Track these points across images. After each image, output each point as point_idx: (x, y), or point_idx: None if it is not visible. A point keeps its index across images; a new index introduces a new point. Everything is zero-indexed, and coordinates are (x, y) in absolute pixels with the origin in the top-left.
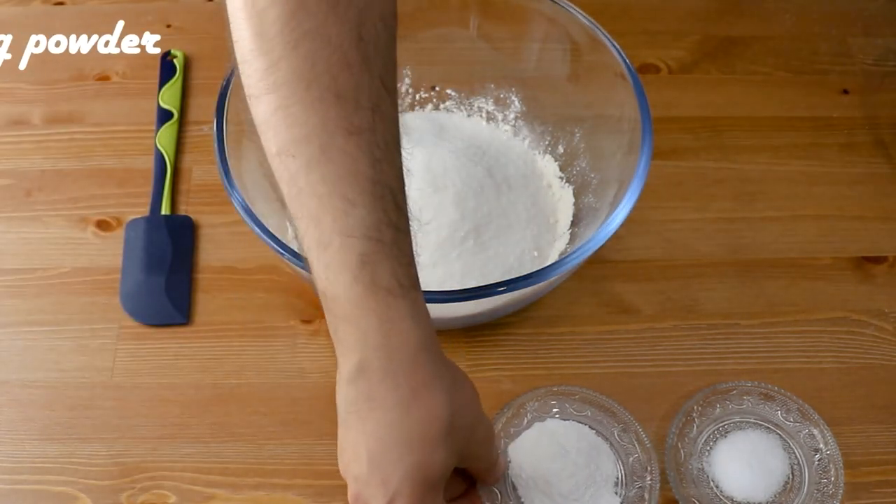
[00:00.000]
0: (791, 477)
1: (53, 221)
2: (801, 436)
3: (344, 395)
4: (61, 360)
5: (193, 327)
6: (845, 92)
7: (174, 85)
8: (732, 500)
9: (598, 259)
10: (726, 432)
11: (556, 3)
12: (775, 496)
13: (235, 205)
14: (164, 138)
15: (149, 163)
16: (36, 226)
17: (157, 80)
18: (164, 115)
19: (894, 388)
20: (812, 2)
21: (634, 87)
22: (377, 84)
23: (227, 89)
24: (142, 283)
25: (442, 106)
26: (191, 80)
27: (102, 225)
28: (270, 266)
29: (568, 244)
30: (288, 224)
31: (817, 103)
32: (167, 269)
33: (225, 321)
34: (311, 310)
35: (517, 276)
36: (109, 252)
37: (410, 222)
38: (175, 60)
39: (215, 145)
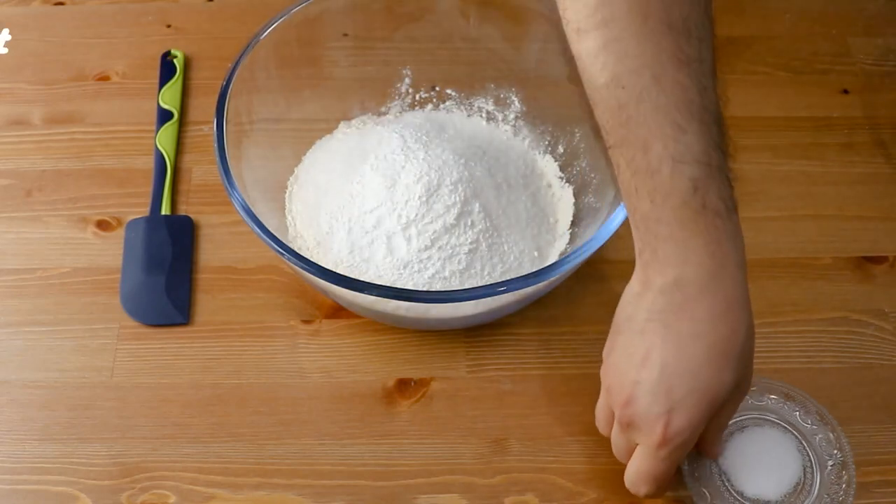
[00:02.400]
0: (803, 479)
1: (53, 221)
2: (817, 439)
3: (650, 303)
4: (61, 360)
5: (193, 327)
6: (845, 92)
7: (174, 85)
8: (742, 495)
9: (598, 259)
10: (743, 427)
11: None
12: (784, 497)
13: (235, 205)
14: (164, 138)
15: (149, 163)
16: (36, 226)
17: (157, 80)
18: (164, 115)
19: (894, 388)
20: (812, 2)
21: None
22: (702, 13)
23: (227, 89)
24: (142, 283)
25: (442, 106)
26: (191, 80)
27: (102, 225)
28: (270, 266)
29: (568, 244)
30: (613, 156)
31: (817, 103)
32: (167, 269)
33: (225, 321)
34: (311, 310)
35: (517, 276)
36: (109, 252)
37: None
38: (175, 60)
39: (215, 145)
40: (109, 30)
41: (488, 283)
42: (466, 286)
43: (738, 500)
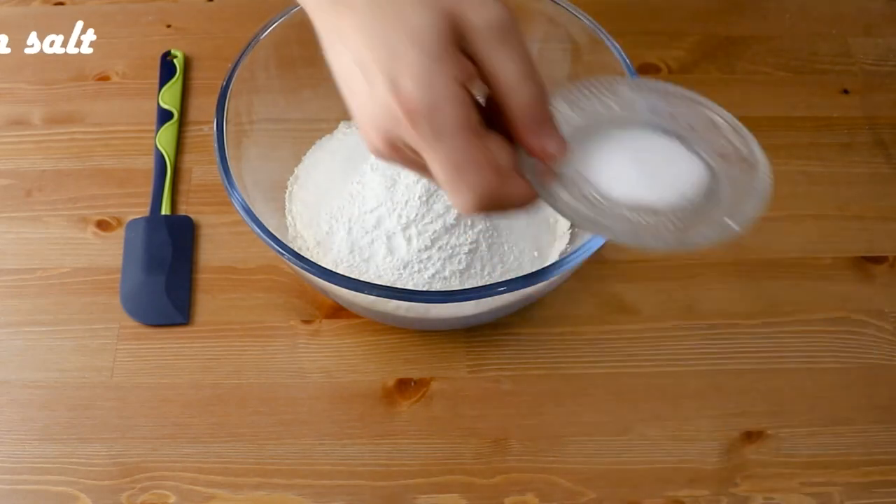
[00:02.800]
0: (701, 182)
1: (53, 221)
2: (709, 135)
3: (320, 32)
4: (61, 360)
5: (193, 327)
6: (845, 92)
7: (174, 85)
8: (610, 198)
9: (598, 259)
10: (600, 131)
11: (556, 3)
12: (683, 201)
13: (235, 205)
14: (164, 138)
15: (149, 163)
16: (36, 226)
17: (157, 80)
18: (164, 116)
19: (894, 388)
20: (812, 2)
21: None
22: None
23: (227, 89)
24: (142, 283)
25: None
26: (191, 80)
27: (102, 225)
28: (270, 266)
29: (568, 244)
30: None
31: (817, 103)
32: (167, 269)
33: (225, 321)
34: (311, 310)
35: (517, 276)
36: (109, 252)
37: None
38: (175, 60)
39: (215, 145)
40: (109, 30)
41: (488, 283)
42: (466, 286)
43: (602, 202)
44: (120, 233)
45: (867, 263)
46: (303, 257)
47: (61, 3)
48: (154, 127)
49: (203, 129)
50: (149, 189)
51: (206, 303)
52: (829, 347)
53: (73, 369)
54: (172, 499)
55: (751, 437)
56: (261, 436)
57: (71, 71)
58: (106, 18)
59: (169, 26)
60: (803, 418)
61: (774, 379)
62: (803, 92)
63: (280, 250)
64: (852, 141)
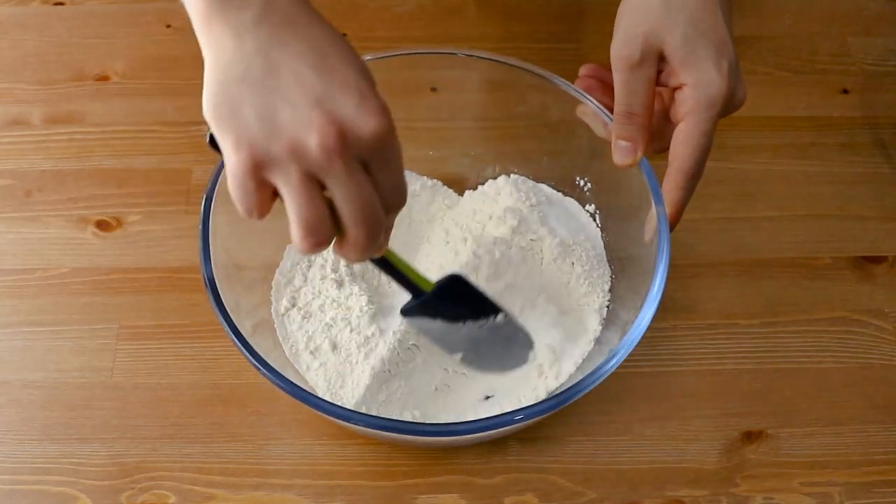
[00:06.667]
0: None
1: (53, 221)
2: None
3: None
4: (61, 360)
5: (193, 327)
6: (845, 92)
7: None
8: None
9: None
10: None
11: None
12: None
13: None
14: None
15: (149, 163)
16: (36, 226)
17: (157, 81)
18: None
19: (894, 388)
20: (812, 2)
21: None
22: None
23: None
24: None
25: None
26: (191, 80)
27: (102, 225)
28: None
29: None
30: None
31: (817, 103)
32: None
33: None
34: None
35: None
36: (109, 252)
37: None
38: None
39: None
40: (109, 30)
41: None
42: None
43: None
44: (120, 233)
45: (867, 263)
46: (283, 377)
47: (61, 3)
48: (154, 126)
49: (203, 128)
50: (149, 189)
51: (205, 303)
52: (829, 347)
53: (73, 369)
54: (172, 499)
55: (751, 437)
56: (261, 436)
57: (71, 71)
58: (106, 18)
59: (169, 26)
60: (803, 418)
61: (774, 379)
62: (803, 92)
63: (262, 370)
64: (852, 141)
